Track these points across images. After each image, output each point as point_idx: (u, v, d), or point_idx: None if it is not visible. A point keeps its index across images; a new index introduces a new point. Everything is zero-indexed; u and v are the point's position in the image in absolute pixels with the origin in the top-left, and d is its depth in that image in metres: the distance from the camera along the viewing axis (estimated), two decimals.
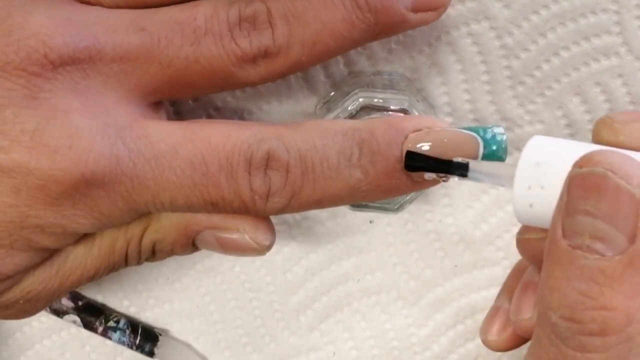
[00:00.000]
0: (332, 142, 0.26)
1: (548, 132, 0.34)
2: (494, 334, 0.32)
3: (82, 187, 0.25)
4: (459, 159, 0.26)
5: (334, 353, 0.37)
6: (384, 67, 0.33)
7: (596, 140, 0.27)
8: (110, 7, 0.27)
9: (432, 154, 0.26)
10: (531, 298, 0.30)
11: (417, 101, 0.31)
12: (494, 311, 0.33)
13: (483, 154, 0.26)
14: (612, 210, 0.23)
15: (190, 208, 0.27)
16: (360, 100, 0.30)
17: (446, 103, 0.33)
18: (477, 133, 0.26)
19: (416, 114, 0.30)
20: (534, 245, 0.29)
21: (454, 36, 0.32)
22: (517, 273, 0.33)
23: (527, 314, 0.30)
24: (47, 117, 0.25)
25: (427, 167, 0.26)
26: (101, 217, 0.27)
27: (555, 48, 0.32)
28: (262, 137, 0.26)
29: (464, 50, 0.33)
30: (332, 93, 0.32)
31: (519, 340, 0.32)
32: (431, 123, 0.27)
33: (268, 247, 0.30)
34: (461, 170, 0.26)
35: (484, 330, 0.33)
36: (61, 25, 0.25)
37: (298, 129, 0.27)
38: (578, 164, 0.23)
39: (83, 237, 0.28)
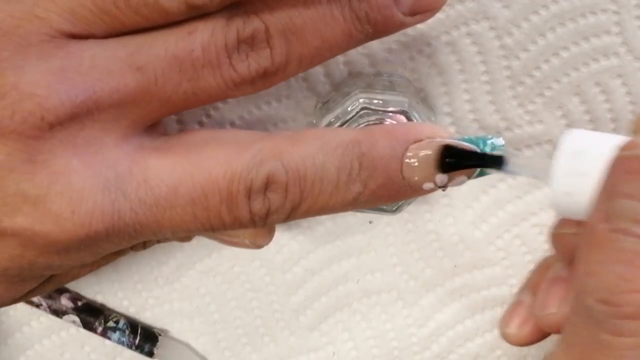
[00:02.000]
0: (332, 157, 0.26)
1: (548, 132, 0.34)
2: (514, 328, 0.32)
3: (87, 242, 0.26)
4: (495, 152, 0.26)
5: (334, 353, 0.37)
6: (383, 67, 0.33)
7: (636, 133, 0.28)
8: (103, 37, 0.26)
9: (430, 166, 0.26)
10: (558, 293, 0.30)
11: (417, 103, 0.31)
12: (516, 305, 0.33)
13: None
14: None
15: (191, 234, 0.27)
16: (360, 101, 0.30)
17: (446, 103, 0.33)
18: (477, 144, 0.26)
19: (415, 115, 0.30)
20: (569, 240, 0.29)
21: (453, 36, 0.32)
22: (541, 270, 0.33)
23: (553, 308, 0.30)
24: (47, 182, 0.25)
25: (462, 164, 0.26)
26: (104, 253, 0.27)
27: (554, 48, 0.33)
28: (261, 158, 0.26)
29: (464, 50, 0.33)
30: (332, 93, 0.32)
31: (539, 335, 0.32)
32: (432, 132, 0.26)
33: (266, 244, 0.30)
34: (497, 163, 0.26)
35: (504, 323, 0.33)
36: (56, 80, 0.25)
37: (298, 144, 0.26)
38: (624, 148, 0.24)
39: None
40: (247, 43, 0.26)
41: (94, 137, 0.26)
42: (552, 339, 0.31)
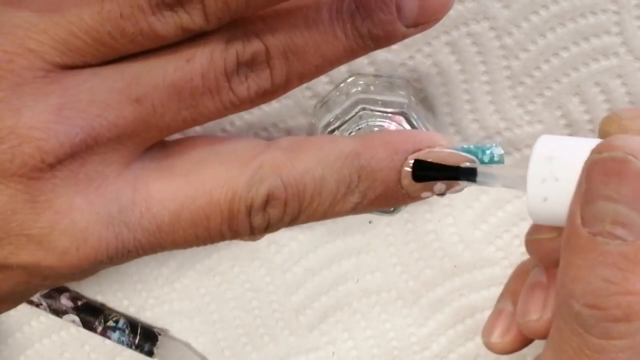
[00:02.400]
0: (331, 170, 0.26)
1: (547, 132, 0.34)
2: (497, 337, 0.32)
3: (91, 269, 0.26)
4: (467, 164, 0.26)
5: (334, 353, 0.37)
6: (383, 67, 0.33)
7: (603, 137, 0.27)
8: (98, 64, 0.25)
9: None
10: (538, 299, 0.30)
11: (417, 104, 0.31)
12: (497, 314, 0.33)
13: None
14: (634, 195, 0.23)
15: (190, 247, 0.28)
16: (360, 102, 0.30)
17: (446, 103, 0.33)
18: (476, 154, 0.26)
19: (414, 116, 0.30)
20: (545, 245, 0.29)
21: (453, 36, 0.32)
22: (519, 276, 0.33)
23: (535, 315, 0.30)
24: (50, 222, 0.25)
25: (435, 176, 0.26)
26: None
27: (554, 48, 0.33)
28: (261, 176, 0.26)
29: (464, 50, 0.33)
30: (332, 93, 0.32)
31: (523, 342, 0.32)
32: (431, 141, 0.26)
33: (260, 238, 0.30)
34: (469, 175, 0.26)
35: (487, 332, 0.33)
36: (54, 121, 0.24)
37: (297, 158, 0.26)
38: (597, 150, 0.23)
39: None
40: (247, 65, 0.25)
41: (95, 171, 0.25)
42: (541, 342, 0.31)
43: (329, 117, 0.31)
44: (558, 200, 0.24)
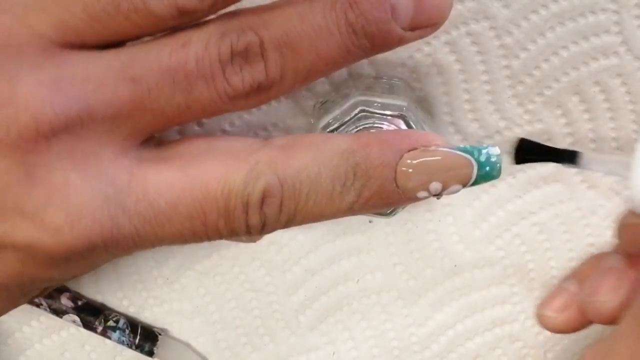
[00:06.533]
0: (326, 167, 0.26)
1: (547, 132, 0.34)
2: (553, 310, 0.32)
3: (86, 254, 0.26)
4: (569, 149, 0.26)
5: (334, 353, 0.37)
6: (383, 67, 0.33)
7: None
8: (95, 45, 0.26)
9: (424, 175, 0.26)
10: (611, 282, 0.30)
11: (416, 107, 0.31)
12: (558, 290, 0.33)
13: (477, 175, 0.26)
14: None
15: (187, 243, 0.28)
16: (359, 104, 0.30)
17: (445, 103, 0.33)
18: (472, 154, 0.26)
19: (413, 119, 0.30)
20: (637, 231, 0.30)
21: (453, 36, 0.32)
22: (591, 262, 0.33)
23: (603, 296, 0.30)
24: (45, 197, 0.25)
25: (538, 158, 0.26)
26: (103, 263, 0.28)
27: (554, 47, 0.32)
28: (257, 172, 0.26)
29: (464, 50, 0.33)
30: (331, 94, 0.32)
31: (577, 323, 0.32)
32: (427, 141, 0.26)
33: (260, 239, 0.31)
34: (572, 160, 0.26)
35: (544, 306, 0.33)
36: (49, 92, 0.25)
37: (293, 155, 0.26)
38: None
39: None
40: (241, 56, 0.26)
41: (91, 150, 0.26)
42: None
43: (327, 118, 0.31)
44: None
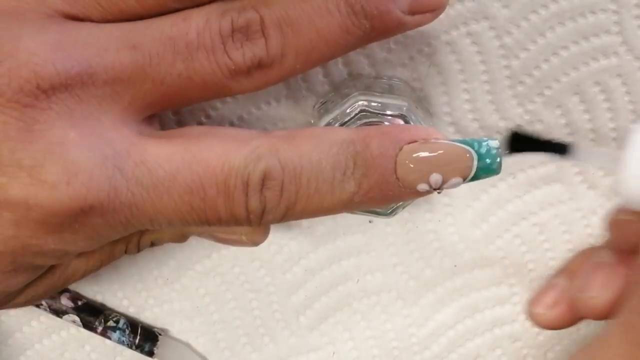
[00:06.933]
0: (327, 155, 0.26)
1: (547, 132, 0.34)
2: (544, 307, 0.32)
3: (82, 218, 0.25)
4: (562, 140, 0.26)
5: (334, 353, 0.37)
6: (383, 67, 0.33)
7: None
8: (100, 21, 0.26)
9: (424, 166, 0.26)
10: (601, 278, 0.30)
11: (416, 107, 0.31)
12: (549, 286, 0.33)
13: (477, 168, 0.26)
14: None
15: (186, 225, 0.27)
16: (359, 103, 0.30)
17: (445, 103, 0.33)
18: (472, 146, 0.26)
19: (413, 119, 0.30)
20: (627, 227, 0.30)
21: (453, 36, 0.32)
22: (581, 257, 0.33)
23: (594, 292, 0.30)
24: (43, 152, 0.25)
25: (531, 149, 0.26)
26: (100, 238, 0.27)
27: (554, 48, 0.32)
28: (259, 154, 0.26)
29: (464, 50, 0.33)
30: (331, 94, 0.32)
31: (568, 319, 0.32)
32: (427, 134, 0.27)
33: (263, 242, 0.31)
34: (564, 151, 0.26)
35: (534, 303, 0.32)
36: (51, 50, 0.25)
37: (293, 142, 0.26)
38: None
39: None
40: (242, 32, 0.26)
41: (91, 114, 0.26)
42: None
43: (327, 118, 0.31)
44: None
